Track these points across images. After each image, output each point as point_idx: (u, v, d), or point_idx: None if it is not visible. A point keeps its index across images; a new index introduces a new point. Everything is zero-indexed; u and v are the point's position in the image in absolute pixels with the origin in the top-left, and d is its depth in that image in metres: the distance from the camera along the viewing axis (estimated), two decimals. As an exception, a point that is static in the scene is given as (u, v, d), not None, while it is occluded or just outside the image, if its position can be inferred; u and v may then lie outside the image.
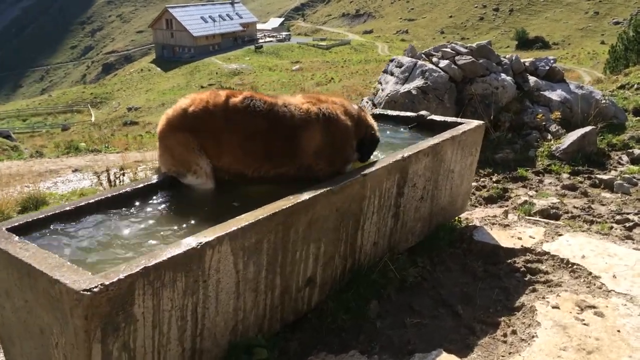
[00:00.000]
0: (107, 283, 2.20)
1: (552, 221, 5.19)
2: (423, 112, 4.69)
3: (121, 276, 2.25)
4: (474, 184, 6.52)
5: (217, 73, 66.24)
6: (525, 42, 68.07)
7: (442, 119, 4.63)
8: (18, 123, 58.37)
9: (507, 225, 4.68)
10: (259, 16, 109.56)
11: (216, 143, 3.38)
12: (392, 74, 8.00)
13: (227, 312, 2.80)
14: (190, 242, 2.52)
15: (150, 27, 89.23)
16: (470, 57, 7.55)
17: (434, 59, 7.75)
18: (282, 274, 3.07)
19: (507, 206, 5.97)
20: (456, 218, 4.76)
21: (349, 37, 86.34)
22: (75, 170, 11.72)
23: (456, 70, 7.51)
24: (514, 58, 7.98)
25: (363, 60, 66.18)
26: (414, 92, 7.43)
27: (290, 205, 2.94)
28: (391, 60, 8.27)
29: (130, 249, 2.72)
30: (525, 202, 5.85)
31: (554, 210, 5.62)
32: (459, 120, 4.57)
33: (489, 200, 6.11)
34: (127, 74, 79.88)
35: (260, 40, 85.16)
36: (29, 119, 60.73)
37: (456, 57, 7.60)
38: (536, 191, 6.30)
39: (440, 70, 7.50)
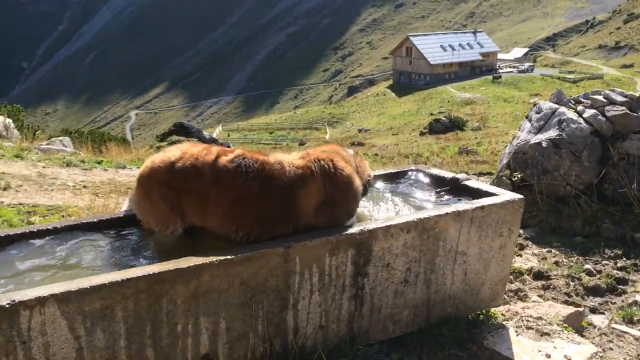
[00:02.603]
0: None
1: (650, 337, 3.82)
2: (459, 176, 3.83)
3: None
4: (586, 266, 5.20)
5: (448, 101, 65.55)
6: None
7: (477, 186, 3.70)
8: (266, 135, 65.83)
9: (547, 333, 3.52)
10: (505, 46, 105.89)
11: (202, 204, 3.08)
12: (530, 121, 6.86)
13: (68, 378, 2.57)
14: (0, 299, 2.36)
15: (391, 54, 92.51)
16: (624, 108, 6.06)
17: (580, 107, 6.42)
18: (156, 347, 2.71)
19: (612, 303, 4.62)
20: (492, 311, 3.77)
21: (602, 70, 77.90)
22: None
23: (603, 122, 6.09)
24: (691, 112, 6.17)
25: (613, 96, 58.84)
26: (544, 144, 6.23)
27: (158, 272, 2.59)
28: (534, 105, 7.10)
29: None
30: (636, 302, 4.44)
31: (668, 322, 4.15)
32: (495, 190, 3.61)
33: (592, 292, 4.78)
34: (364, 97, 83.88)
35: (500, 71, 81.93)
36: (275, 132, 67.72)
37: (606, 107, 6.18)
38: (669, 290, 4.74)
39: (581, 122, 6.16)
